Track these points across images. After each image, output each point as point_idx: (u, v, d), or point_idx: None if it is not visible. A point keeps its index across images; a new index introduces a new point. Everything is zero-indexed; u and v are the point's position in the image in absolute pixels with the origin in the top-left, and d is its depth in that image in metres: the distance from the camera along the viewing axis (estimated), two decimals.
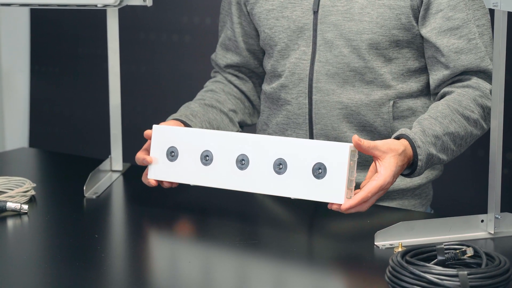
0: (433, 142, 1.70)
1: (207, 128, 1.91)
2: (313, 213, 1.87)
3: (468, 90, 1.79)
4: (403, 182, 1.89)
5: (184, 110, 1.94)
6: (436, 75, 1.84)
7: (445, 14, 1.79)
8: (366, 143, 1.59)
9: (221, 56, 2.05)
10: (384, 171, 1.60)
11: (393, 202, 1.90)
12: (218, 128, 1.94)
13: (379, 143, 1.61)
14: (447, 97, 1.79)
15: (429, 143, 1.69)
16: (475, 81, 1.80)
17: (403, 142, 1.66)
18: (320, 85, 1.85)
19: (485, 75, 1.82)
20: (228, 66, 2.04)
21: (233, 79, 2.04)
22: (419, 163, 1.68)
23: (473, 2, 1.80)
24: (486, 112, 1.80)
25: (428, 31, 1.81)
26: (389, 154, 1.61)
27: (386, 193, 1.87)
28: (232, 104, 2.01)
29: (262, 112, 2.01)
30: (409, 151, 1.66)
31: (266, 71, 1.96)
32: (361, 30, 1.81)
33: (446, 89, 1.82)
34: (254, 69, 2.04)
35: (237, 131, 2.00)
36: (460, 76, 1.82)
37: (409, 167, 1.69)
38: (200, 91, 2.05)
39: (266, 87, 1.96)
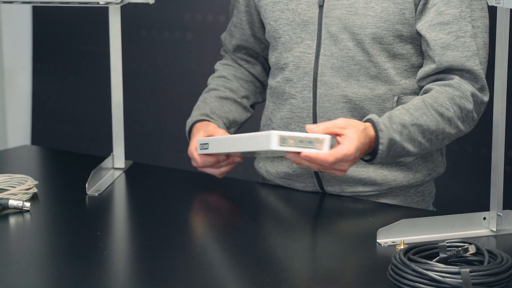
0: (398, 130, 1.74)
1: (224, 123, 1.99)
2: (316, 209, 1.87)
3: (447, 89, 1.79)
4: (406, 179, 1.89)
5: (203, 107, 1.99)
6: (424, 68, 1.84)
7: (437, 8, 1.79)
8: (322, 125, 1.67)
9: (228, 41, 2.09)
10: (348, 142, 1.66)
11: (396, 199, 1.90)
12: (233, 119, 2.02)
13: (336, 120, 1.69)
14: (425, 94, 1.80)
15: (393, 129, 1.73)
16: (457, 81, 1.80)
17: (366, 124, 1.73)
18: (325, 79, 1.85)
19: (471, 75, 1.80)
20: (236, 50, 2.08)
21: (242, 62, 2.08)
22: (380, 146, 1.72)
23: (472, 2, 1.79)
24: (464, 114, 1.79)
25: (421, 24, 1.81)
26: (349, 129, 1.68)
27: (389, 190, 1.87)
28: (245, 90, 2.06)
29: (266, 108, 2.01)
30: (371, 133, 1.71)
31: (271, 64, 1.97)
32: (365, 24, 1.81)
33: (427, 86, 1.82)
34: (261, 53, 2.07)
35: (251, 115, 2.08)
36: (444, 74, 1.81)
37: (371, 153, 1.74)
38: (212, 75, 2.09)
39: (271, 81, 1.97)
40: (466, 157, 2.52)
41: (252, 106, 2.09)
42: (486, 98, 1.81)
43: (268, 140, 1.62)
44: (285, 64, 1.91)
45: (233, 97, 2.03)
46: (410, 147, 1.76)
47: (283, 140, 1.63)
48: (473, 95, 1.79)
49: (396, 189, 1.90)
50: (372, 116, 1.75)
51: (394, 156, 1.76)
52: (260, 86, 2.09)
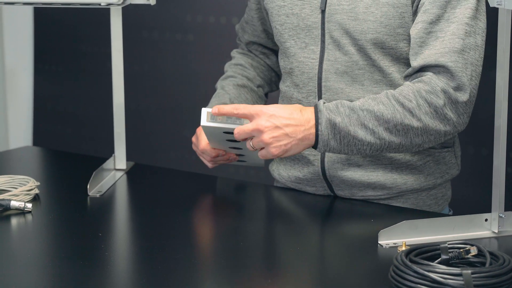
0: (346, 113, 1.71)
1: None
2: (322, 212, 1.87)
3: (417, 84, 1.74)
4: (417, 182, 1.87)
5: (222, 96, 2.01)
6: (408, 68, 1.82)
7: (424, 7, 1.76)
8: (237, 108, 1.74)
9: (241, 35, 2.12)
10: (262, 112, 1.72)
11: (407, 202, 1.88)
12: None
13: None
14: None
15: (338, 112, 1.72)
16: (429, 76, 1.75)
17: (310, 107, 1.75)
18: (329, 84, 1.85)
19: (447, 72, 1.73)
20: (249, 44, 2.10)
21: (257, 53, 2.11)
22: (320, 127, 1.71)
23: (467, 3, 1.75)
24: (432, 109, 1.73)
25: (412, 25, 1.79)
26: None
27: (400, 193, 1.86)
28: (260, 79, 2.08)
29: None
30: (310, 114, 1.72)
31: (280, 68, 1.97)
32: (366, 29, 1.80)
33: (406, 82, 1.80)
34: (273, 47, 2.09)
35: (265, 104, 2.10)
36: (421, 71, 1.77)
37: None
38: (228, 63, 2.11)
39: (281, 86, 1.98)
40: (467, 158, 2.52)
41: (266, 95, 2.11)
42: (462, 98, 1.73)
43: (201, 116, 1.74)
44: (291, 69, 1.91)
45: (250, 85, 2.05)
46: (360, 132, 1.71)
47: (212, 117, 1.73)
48: (444, 91, 1.72)
49: (407, 193, 1.88)
50: (321, 100, 1.76)
51: (344, 142, 1.72)
52: (275, 76, 2.11)
